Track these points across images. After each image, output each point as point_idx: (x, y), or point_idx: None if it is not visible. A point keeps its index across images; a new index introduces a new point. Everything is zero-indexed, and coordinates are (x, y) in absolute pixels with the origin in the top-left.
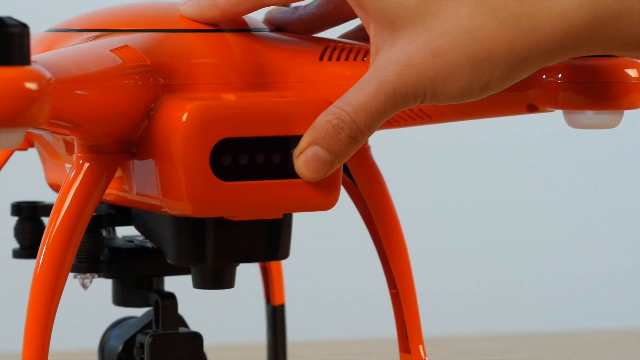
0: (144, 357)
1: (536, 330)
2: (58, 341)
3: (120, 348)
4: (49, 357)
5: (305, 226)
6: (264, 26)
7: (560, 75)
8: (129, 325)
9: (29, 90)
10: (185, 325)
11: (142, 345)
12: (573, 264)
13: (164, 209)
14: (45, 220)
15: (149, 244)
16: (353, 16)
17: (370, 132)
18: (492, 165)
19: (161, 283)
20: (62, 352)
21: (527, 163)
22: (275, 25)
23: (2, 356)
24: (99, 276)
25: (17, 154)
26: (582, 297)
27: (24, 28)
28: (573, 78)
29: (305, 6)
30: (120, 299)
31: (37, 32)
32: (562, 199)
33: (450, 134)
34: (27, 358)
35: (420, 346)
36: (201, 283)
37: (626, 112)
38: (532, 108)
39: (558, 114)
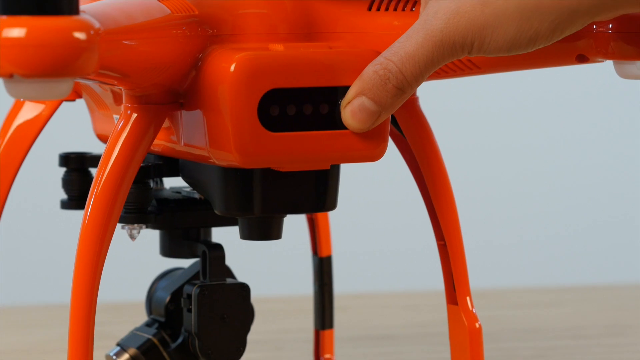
0: (192, 307)
1: (584, 282)
2: (106, 292)
3: (167, 299)
4: (97, 309)
5: (352, 177)
6: None
7: (610, 25)
8: (176, 277)
9: (77, 40)
10: (232, 276)
11: (189, 296)
12: (626, 215)
13: (211, 160)
14: (93, 171)
15: (197, 195)
16: None
17: (418, 82)
18: (542, 113)
19: (208, 234)
20: (110, 304)
21: (579, 107)
22: None
23: (51, 307)
24: (147, 227)
25: (65, 105)
26: (633, 249)
27: None
28: (624, 28)
29: None
30: (168, 250)
31: None
32: (617, 146)
33: (499, 84)
34: (76, 309)
35: (468, 298)
36: (248, 234)
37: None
38: (582, 58)
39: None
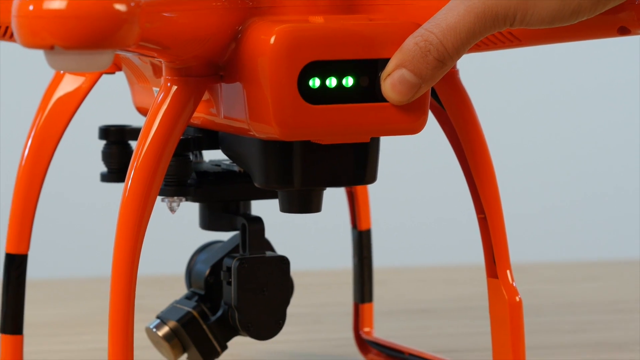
0: (231, 280)
1: (623, 256)
2: (145, 266)
3: (207, 272)
4: (137, 282)
5: (392, 150)
6: None
7: None
8: (215, 250)
9: (118, 11)
10: (272, 249)
11: (229, 269)
12: None
13: (251, 132)
14: (133, 144)
15: (236, 168)
16: None
17: (459, 54)
18: (581, 83)
19: (248, 207)
20: (150, 277)
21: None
22: None
23: (91, 280)
24: (186, 200)
25: (104, 77)
26: None
27: None
28: None
29: None
30: (207, 222)
31: None
32: None
33: (534, 54)
34: (116, 282)
35: (508, 271)
36: (288, 207)
37: None
38: (623, 31)
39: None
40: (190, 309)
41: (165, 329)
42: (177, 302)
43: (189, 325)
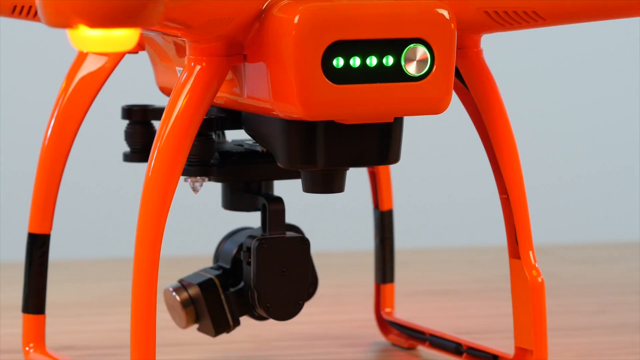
0: (251, 260)
1: None
2: (168, 246)
3: (235, 250)
4: (160, 263)
5: (415, 130)
6: None
7: None
8: (244, 234)
9: None
10: (299, 231)
11: (249, 249)
12: None
13: (275, 112)
14: (156, 124)
15: (259, 148)
16: None
17: None
18: (607, 64)
19: (270, 187)
20: (173, 257)
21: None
22: None
23: (114, 261)
24: (209, 180)
25: (127, 57)
26: None
27: None
28: None
29: None
30: (229, 202)
31: None
32: None
33: (559, 36)
34: (139, 262)
35: (531, 252)
36: (311, 187)
37: None
38: None
39: None
40: (213, 277)
41: (184, 295)
42: (201, 270)
43: (208, 291)
